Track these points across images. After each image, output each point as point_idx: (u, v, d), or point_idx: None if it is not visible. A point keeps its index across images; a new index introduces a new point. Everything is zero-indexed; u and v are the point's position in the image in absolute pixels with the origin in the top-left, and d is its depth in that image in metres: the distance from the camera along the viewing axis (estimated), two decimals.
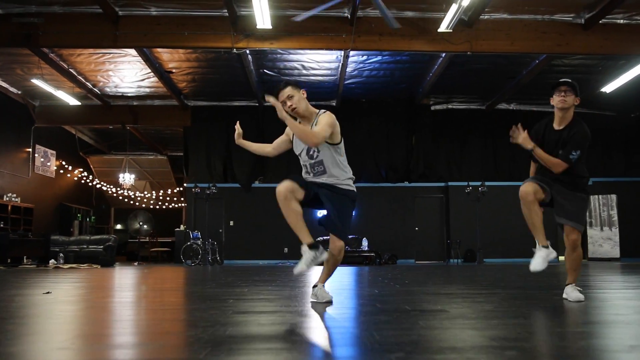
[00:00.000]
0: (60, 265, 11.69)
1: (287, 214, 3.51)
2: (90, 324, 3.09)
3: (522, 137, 3.93)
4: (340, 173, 3.75)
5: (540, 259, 3.88)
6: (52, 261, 12.14)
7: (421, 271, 9.40)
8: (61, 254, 12.38)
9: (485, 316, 3.20)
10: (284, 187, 3.46)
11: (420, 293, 4.79)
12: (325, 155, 3.72)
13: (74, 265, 11.87)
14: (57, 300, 4.33)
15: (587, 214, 15.76)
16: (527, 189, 3.82)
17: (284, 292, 4.98)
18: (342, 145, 3.81)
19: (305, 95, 3.77)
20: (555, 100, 3.89)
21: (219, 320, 2.89)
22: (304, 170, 3.85)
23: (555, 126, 3.97)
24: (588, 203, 4.07)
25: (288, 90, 3.68)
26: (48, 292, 4.89)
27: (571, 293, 3.86)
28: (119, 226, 23.46)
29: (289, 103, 3.65)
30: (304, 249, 3.46)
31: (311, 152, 3.74)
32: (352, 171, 3.84)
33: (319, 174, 3.74)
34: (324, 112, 3.74)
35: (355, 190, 3.82)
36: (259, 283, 6.09)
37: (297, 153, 3.87)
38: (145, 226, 16.05)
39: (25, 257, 12.51)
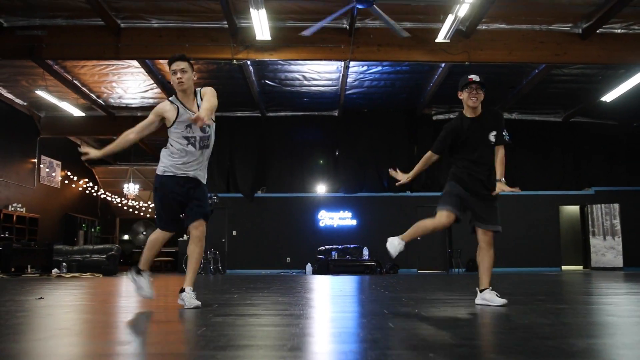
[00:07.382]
0: (63, 274, 11.79)
1: None
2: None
3: (404, 179, 4.27)
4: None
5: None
6: (54, 270, 12.25)
7: (425, 282, 9.39)
8: (64, 263, 12.49)
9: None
10: None
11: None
12: (213, 129, 4.04)
13: (76, 274, 11.96)
14: (49, 305, 4.40)
15: (590, 223, 15.83)
16: (443, 220, 4.15)
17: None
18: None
19: (195, 79, 4.01)
20: (466, 96, 4.03)
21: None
22: (182, 148, 3.99)
23: (470, 116, 4.11)
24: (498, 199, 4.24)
25: (184, 65, 3.86)
26: (40, 298, 5.01)
27: (494, 297, 4.07)
28: (126, 237, 23.57)
29: (179, 75, 3.83)
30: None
31: (205, 126, 3.90)
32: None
33: (204, 148, 4.03)
34: (204, 87, 3.99)
35: None
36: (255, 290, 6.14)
37: (181, 129, 3.93)
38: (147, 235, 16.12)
39: (29, 266, 12.62)
